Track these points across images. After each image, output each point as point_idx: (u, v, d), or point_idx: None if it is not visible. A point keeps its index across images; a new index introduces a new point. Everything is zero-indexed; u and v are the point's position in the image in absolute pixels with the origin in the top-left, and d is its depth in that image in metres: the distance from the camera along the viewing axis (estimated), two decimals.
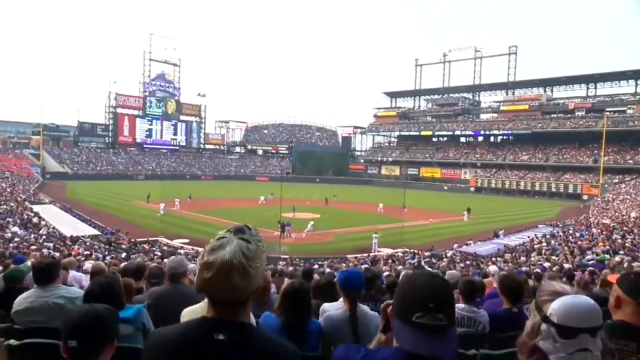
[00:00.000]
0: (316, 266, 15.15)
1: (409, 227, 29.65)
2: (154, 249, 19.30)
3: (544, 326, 1.25)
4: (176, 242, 23.09)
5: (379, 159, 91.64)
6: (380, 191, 59.42)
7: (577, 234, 23.99)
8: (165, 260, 10.17)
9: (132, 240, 21.05)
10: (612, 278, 2.02)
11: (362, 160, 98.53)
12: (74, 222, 26.54)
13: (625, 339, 1.57)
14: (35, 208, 28.77)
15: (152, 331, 1.39)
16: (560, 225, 30.31)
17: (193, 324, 1.29)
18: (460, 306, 3.39)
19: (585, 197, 56.53)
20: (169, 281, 3.57)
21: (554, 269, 10.62)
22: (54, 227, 22.35)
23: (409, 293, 1.22)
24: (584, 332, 1.20)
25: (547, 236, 24.11)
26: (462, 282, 3.68)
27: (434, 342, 1.17)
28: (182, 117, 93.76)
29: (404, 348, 1.20)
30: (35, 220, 23.40)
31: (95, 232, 23.35)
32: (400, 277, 1.19)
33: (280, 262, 17.05)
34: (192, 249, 20.51)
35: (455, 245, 23.38)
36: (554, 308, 1.24)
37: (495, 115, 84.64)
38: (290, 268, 14.72)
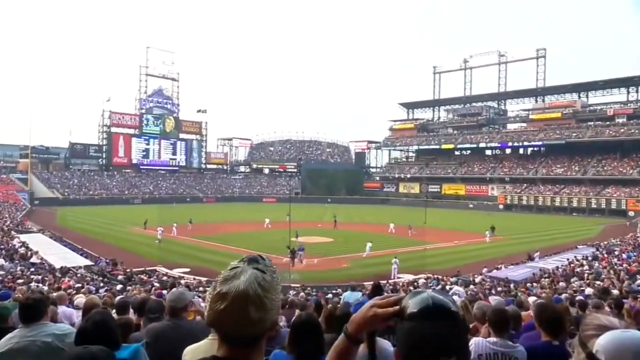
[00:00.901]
0: (330, 295, 14.95)
1: (431, 251, 29.32)
2: (152, 279, 19.30)
3: None
4: (176, 272, 23.09)
5: (397, 175, 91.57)
6: (398, 211, 59.12)
7: (624, 256, 23.40)
8: (165, 292, 10.15)
9: (128, 270, 21.07)
10: None
11: (377, 178, 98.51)
12: (65, 251, 26.72)
13: None
14: (23, 237, 29.14)
15: None
16: (604, 245, 29.63)
17: None
18: (491, 340, 3.28)
19: (631, 213, 55.44)
20: (169, 316, 3.57)
21: (598, 296, 10.32)
22: (42, 258, 22.53)
23: (414, 341, 1.16)
24: None
25: (589, 258, 23.56)
26: (491, 311, 3.56)
27: None
28: (181, 136, 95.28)
29: None
30: (22, 250, 23.63)
31: (87, 262, 23.47)
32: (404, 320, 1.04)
33: (291, 292, 16.91)
34: (194, 279, 20.46)
35: (484, 270, 22.98)
36: (600, 344, 1.18)
37: (524, 125, 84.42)
38: (302, 295, 14.63)
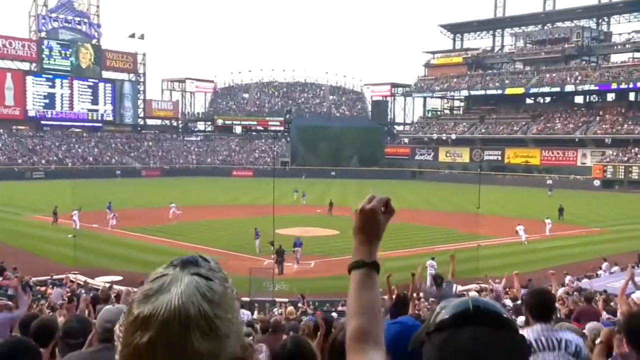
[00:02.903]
0: (334, 314, 15.05)
1: (487, 249, 29.43)
2: (62, 290, 19.34)
3: None
4: (99, 281, 23.11)
5: (435, 136, 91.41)
6: (435, 189, 59.02)
7: None
8: (82, 309, 10.16)
9: (24, 280, 21.03)
10: None
11: (406, 140, 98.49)
12: None
13: None
14: None
15: None
16: None
17: None
18: (537, 327, 3.82)
19: None
20: (99, 342, 3.61)
21: None
22: None
23: (446, 357, 1.26)
24: None
25: None
26: (531, 295, 4.18)
27: None
28: (105, 74, 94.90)
29: None
30: None
31: None
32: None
33: (275, 309, 16.95)
34: (128, 290, 20.45)
35: (567, 278, 23.14)
36: None
37: (638, 55, 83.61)
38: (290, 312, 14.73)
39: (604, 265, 27.17)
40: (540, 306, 3.90)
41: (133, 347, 1.08)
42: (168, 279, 1.13)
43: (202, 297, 1.10)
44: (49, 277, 22.79)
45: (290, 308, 15.16)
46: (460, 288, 22.27)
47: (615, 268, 25.30)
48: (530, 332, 3.75)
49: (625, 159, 71.73)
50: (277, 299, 20.15)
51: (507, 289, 21.05)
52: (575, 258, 28.60)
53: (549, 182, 71.20)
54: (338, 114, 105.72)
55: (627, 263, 26.25)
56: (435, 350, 1.28)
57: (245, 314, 11.97)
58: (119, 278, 23.74)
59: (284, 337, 6.95)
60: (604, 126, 78.13)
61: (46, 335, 4.69)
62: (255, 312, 17.16)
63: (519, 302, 16.58)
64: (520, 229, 35.23)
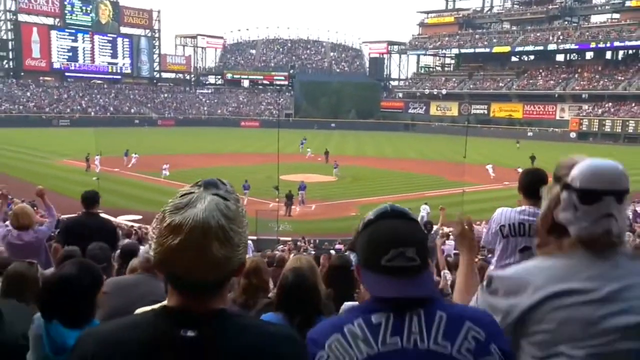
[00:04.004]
0: (332, 252, 15.27)
1: (472, 194, 29.60)
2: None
3: (564, 194, 1.66)
4: (122, 220, 23.32)
5: (427, 91, 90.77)
6: (426, 140, 58.96)
7: None
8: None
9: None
10: None
11: (400, 94, 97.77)
12: None
13: None
14: None
15: (87, 330, 1.38)
16: None
17: (148, 317, 1.33)
18: (518, 209, 3.71)
19: None
20: (143, 271, 3.91)
21: None
22: None
23: (374, 238, 1.58)
24: (609, 195, 1.59)
25: None
26: (524, 173, 4.00)
27: (408, 285, 1.52)
28: (123, 30, 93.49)
29: (376, 295, 1.57)
30: None
31: None
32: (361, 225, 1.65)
33: (279, 247, 17.17)
34: (147, 229, 20.67)
35: None
36: (575, 173, 1.63)
37: (616, 16, 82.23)
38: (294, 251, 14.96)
39: None
40: (530, 184, 3.70)
41: (166, 247, 1.25)
42: (194, 197, 1.29)
43: (220, 213, 1.27)
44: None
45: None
46: (445, 230, 22.51)
47: None
48: (505, 215, 3.72)
49: (600, 112, 71.52)
50: (281, 238, 20.37)
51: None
52: None
53: (530, 134, 71.09)
54: (338, 70, 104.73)
55: None
56: (364, 239, 1.59)
57: (249, 246, 11.98)
58: (139, 217, 24.02)
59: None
60: (581, 83, 77.67)
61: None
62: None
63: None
64: (489, 167, 36.93)
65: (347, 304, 3.12)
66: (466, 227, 2.30)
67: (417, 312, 1.52)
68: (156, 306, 1.38)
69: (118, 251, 6.08)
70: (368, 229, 1.60)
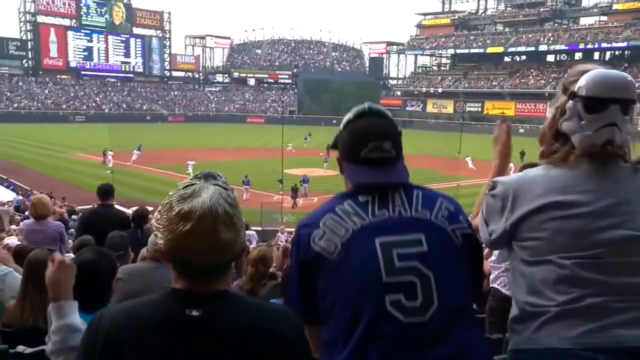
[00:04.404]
0: None
1: (466, 188, 29.54)
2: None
3: (569, 104, 1.64)
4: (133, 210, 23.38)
5: (424, 89, 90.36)
6: (423, 137, 58.91)
7: None
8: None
9: (71, 207, 21.29)
10: None
11: (398, 93, 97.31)
12: None
13: None
14: None
15: (103, 310, 1.41)
16: None
17: (159, 298, 1.37)
18: None
19: None
20: (152, 260, 3.98)
21: None
22: None
23: (354, 133, 1.71)
24: (614, 103, 1.57)
25: None
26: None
27: (385, 173, 1.67)
28: (135, 30, 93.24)
29: (357, 182, 1.71)
30: None
31: (15, 196, 23.61)
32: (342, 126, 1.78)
33: (282, 237, 17.20)
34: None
35: None
36: (582, 82, 1.61)
37: (604, 18, 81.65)
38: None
39: None
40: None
41: (177, 233, 1.29)
42: (197, 187, 1.34)
43: (224, 201, 1.33)
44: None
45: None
46: None
47: None
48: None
49: None
50: (286, 229, 20.40)
51: None
52: None
53: (521, 131, 70.86)
54: (339, 69, 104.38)
55: None
56: (345, 135, 1.74)
57: (252, 236, 11.97)
58: (151, 208, 24.06)
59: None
60: None
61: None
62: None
63: None
64: (468, 160, 37.78)
65: None
66: (503, 132, 2.25)
67: (398, 191, 1.67)
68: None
69: (130, 216, 6.29)
70: (349, 126, 1.74)
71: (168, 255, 1.33)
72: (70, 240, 6.87)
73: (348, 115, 1.76)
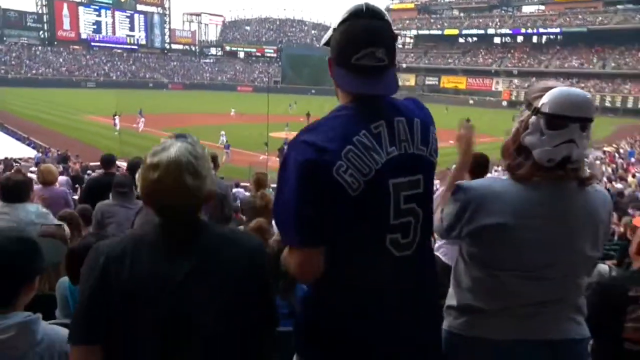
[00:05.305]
0: None
1: None
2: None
3: (532, 119, 1.51)
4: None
5: None
6: None
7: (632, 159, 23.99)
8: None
9: (84, 164, 20.80)
10: (638, 222, 2.26)
11: None
12: (9, 141, 26.18)
13: None
14: None
15: (94, 245, 1.42)
16: (612, 150, 30.06)
17: (149, 227, 1.43)
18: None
19: None
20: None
21: None
22: None
23: (347, 35, 1.42)
24: (574, 122, 1.46)
25: (592, 161, 24.18)
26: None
27: (376, 82, 1.42)
28: (139, 7, 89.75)
29: (344, 89, 1.50)
30: None
31: (36, 153, 23.09)
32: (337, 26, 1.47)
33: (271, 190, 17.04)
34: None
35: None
36: (546, 99, 1.49)
37: (542, 7, 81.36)
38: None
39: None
40: (477, 166, 3.66)
41: (148, 181, 1.33)
42: (167, 144, 1.37)
43: (188, 153, 1.35)
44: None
45: None
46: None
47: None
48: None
49: (526, 85, 71.50)
50: (272, 185, 20.26)
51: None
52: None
53: (471, 102, 71.10)
54: (317, 45, 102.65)
55: None
56: (338, 36, 1.44)
57: (240, 192, 11.75)
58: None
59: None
60: (513, 61, 77.27)
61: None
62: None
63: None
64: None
65: None
66: (470, 131, 1.97)
67: (401, 121, 1.46)
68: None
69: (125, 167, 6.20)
70: (342, 26, 1.45)
71: (146, 199, 1.36)
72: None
73: (343, 14, 1.45)
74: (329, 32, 1.49)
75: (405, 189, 1.44)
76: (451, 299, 1.70)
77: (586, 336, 1.61)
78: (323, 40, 1.53)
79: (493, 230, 1.52)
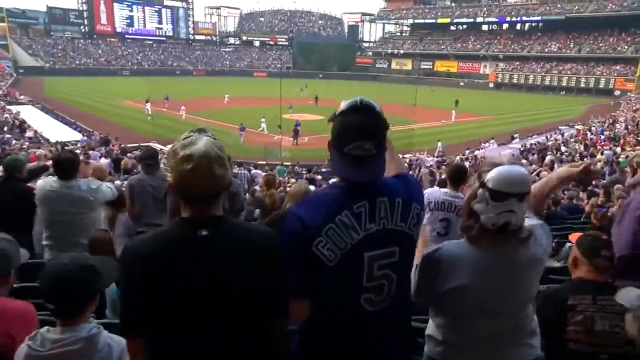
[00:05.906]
0: (319, 177, 15.18)
1: (419, 130, 29.49)
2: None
3: (480, 191, 1.60)
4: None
5: (389, 51, 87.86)
6: (388, 88, 58.01)
7: (601, 135, 23.79)
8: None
9: (123, 146, 21.02)
10: (573, 238, 2.35)
11: (370, 53, 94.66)
12: (58, 125, 26.39)
13: (582, 294, 1.94)
14: (14, 109, 28.33)
15: (125, 245, 1.42)
16: (583, 128, 29.74)
17: (173, 225, 1.41)
18: (443, 190, 3.66)
19: (617, 92, 54.76)
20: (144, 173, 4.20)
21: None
22: (36, 132, 22.24)
23: (342, 128, 1.47)
24: (512, 197, 1.54)
25: (567, 139, 24.00)
26: (451, 167, 3.93)
27: (363, 170, 1.45)
28: (166, 2, 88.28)
29: (337, 174, 1.52)
30: (17, 123, 23.20)
31: (80, 137, 23.30)
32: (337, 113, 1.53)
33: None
34: None
35: (466, 151, 23.16)
36: (490, 176, 1.58)
37: None
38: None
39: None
40: (455, 174, 3.68)
41: (183, 171, 1.33)
42: (194, 138, 1.37)
43: (215, 146, 1.37)
44: (136, 144, 22.69)
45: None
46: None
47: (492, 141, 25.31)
48: (433, 195, 3.59)
49: (510, 69, 70.31)
50: (285, 162, 20.29)
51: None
52: (474, 137, 27.69)
53: (462, 84, 70.01)
54: (324, 34, 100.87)
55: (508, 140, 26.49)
56: (336, 126, 1.50)
57: (259, 174, 11.82)
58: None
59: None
60: (499, 47, 75.53)
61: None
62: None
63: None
64: (453, 112, 35.13)
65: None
66: (586, 173, 1.95)
67: (383, 200, 1.49)
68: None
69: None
70: (340, 117, 1.49)
71: (177, 189, 1.36)
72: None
73: (342, 106, 1.50)
74: (334, 114, 1.54)
75: (379, 259, 1.48)
76: (430, 329, 1.82)
77: (538, 355, 1.72)
78: (329, 119, 1.55)
79: (455, 291, 1.62)
